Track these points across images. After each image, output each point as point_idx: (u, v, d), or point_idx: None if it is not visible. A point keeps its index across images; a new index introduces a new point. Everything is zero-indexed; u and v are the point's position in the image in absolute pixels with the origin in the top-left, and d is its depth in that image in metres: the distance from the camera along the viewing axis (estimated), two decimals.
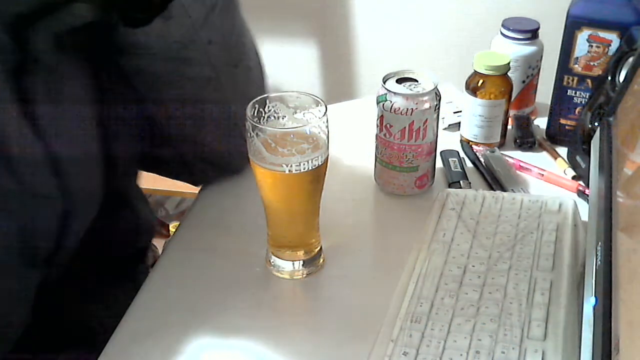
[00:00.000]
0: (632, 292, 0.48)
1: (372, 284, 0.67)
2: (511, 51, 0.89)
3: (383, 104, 0.74)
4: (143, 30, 0.59)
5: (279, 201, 0.65)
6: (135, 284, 0.72)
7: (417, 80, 0.75)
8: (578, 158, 0.81)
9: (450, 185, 0.80)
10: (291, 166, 0.60)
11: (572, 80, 0.84)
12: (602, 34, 0.79)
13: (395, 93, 0.73)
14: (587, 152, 0.76)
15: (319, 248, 0.69)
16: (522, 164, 0.84)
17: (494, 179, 0.82)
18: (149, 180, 1.89)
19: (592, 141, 0.74)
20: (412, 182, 0.78)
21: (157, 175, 1.94)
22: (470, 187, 0.79)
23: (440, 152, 0.84)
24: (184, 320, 0.64)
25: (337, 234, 0.75)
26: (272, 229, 0.67)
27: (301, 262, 0.68)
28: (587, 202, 0.74)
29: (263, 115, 0.62)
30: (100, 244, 0.71)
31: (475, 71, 0.85)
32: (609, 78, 0.77)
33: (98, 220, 0.68)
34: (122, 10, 0.57)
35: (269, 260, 0.69)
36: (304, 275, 0.68)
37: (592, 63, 0.82)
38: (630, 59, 0.75)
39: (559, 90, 0.85)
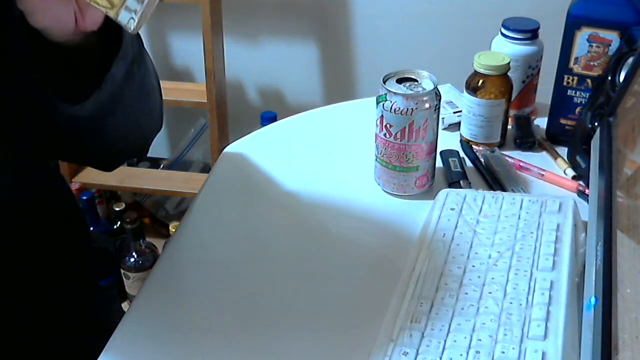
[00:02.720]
0: (632, 292, 0.48)
1: (372, 284, 0.67)
2: (511, 51, 0.89)
3: (383, 104, 0.74)
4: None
5: None
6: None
7: (417, 80, 0.75)
8: (578, 158, 0.81)
9: (450, 185, 0.80)
10: None
11: (572, 80, 0.84)
12: (602, 34, 0.79)
13: (395, 93, 0.73)
14: (587, 152, 0.76)
15: None
16: (522, 164, 0.84)
17: (494, 179, 0.82)
18: (148, 181, 1.90)
19: (592, 141, 0.74)
20: (412, 182, 0.78)
21: (157, 176, 1.95)
22: (470, 187, 0.79)
23: (440, 152, 0.84)
24: (184, 319, 0.64)
25: (337, 234, 0.75)
26: None
27: None
28: (587, 202, 0.74)
29: None
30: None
31: (475, 71, 0.85)
32: (609, 78, 0.77)
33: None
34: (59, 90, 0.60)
35: None
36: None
37: (592, 63, 0.82)
38: (630, 59, 0.75)
39: (559, 90, 0.85)
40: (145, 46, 0.67)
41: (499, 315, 0.58)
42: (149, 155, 0.83)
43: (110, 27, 0.58)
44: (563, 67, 0.83)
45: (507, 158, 0.85)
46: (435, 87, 0.74)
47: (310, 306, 0.65)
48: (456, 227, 0.69)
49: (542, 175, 0.82)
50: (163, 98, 0.76)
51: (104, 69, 0.60)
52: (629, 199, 0.58)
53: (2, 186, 0.64)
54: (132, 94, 0.65)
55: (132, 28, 0.53)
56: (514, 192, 0.79)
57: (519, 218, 0.70)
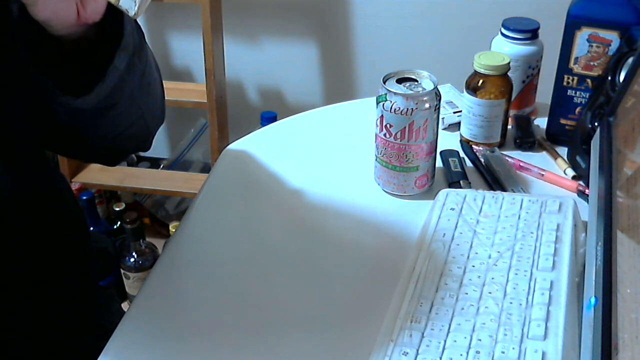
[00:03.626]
0: (632, 292, 0.48)
1: (372, 284, 0.67)
2: (511, 51, 0.89)
3: (383, 104, 0.74)
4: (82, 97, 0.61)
5: None
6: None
7: (417, 80, 0.75)
8: (578, 158, 0.81)
9: (450, 185, 0.80)
10: None
11: (572, 80, 0.84)
12: (602, 34, 0.79)
13: (395, 93, 0.73)
14: (587, 152, 0.76)
15: None
16: (522, 164, 0.84)
17: (494, 179, 0.82)
18: (148, 181, 1.90)
19: (592, 141, 0.74)
20: (412, 182, 0.78)
21: (157, 176, 1.94)
22: (470, 187, 0.79)
23: (440, 152, 0.84)
24: (184, 319, 0.64)
25: (337, 234, 0.75)
26: None
27: None
28: (587, 202, 0.74)
29: None
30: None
31: (475, 71, 0.85)
32: (609, 78, 0.77)
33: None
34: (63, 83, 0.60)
35: None
36: None
37: (592, 63, 0.82)
38: (630, 59, 0.75)
39: (559, 90, 0.85)
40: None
41: (499, 315, 0.58)
42: (149, 155, 0.83)
43: (111, 19, 0.58)
44: (563, 67, 0.83)
45: (507, 158, 0.85)
46: (435, 87, 0.74)
47: (310, 306, 0.65)
48: (456, 227, 0.69)
49: (542, 175, 0.82)
50: (165, 94, 0.75)
51: (105, 61, 0.60)
52: (629, 199, 0.58)
53: (1, 186, 0.64)
54: (134, 85, 0.65)
55: (133, 13, 0.53)
56: (514, 192, 0.79)
57: (519, 218, 0.70)
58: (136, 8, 0.53)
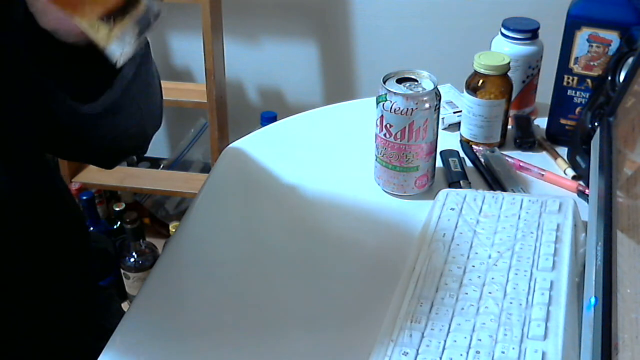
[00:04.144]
0: (632, 292, 0.48)
1: (372, 284, 0.67)
2: (511, 51, 0.89)
3: (383, 104, 0.74)
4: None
5: None
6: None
7: (417, 80, 0.75)
8: (578, 158, 0.81)
9: (450, 185, 0.80)
10: None
11: (572, 80, 0.84)
12: (602, 34, 0.79)
13: (395, 93, 0.73)
14: (587, 152, 0.76)
15: None
16: (522, 164, 0.84)
17: (494, 179, 0.82)
18: (148, 181, 1.90)
19: (592, 141, 0.74)
20: (412, 182, 0.78)
21: (157, 176, 1.95)
22: (470, 187, 0.79)
23: (440, 152, 0.84)
24: (184, 319, 0.64)
25: (337, 234, 0.75)
26: None
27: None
28: (587, 202, 0.74)
29: None
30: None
31: (475, 71, 0.85)
32: (609, 78, 0.77)
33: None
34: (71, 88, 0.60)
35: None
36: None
37: (592, 63, 0.82)
38: (630, 59, 0.75)
39: (559, 90, 0.85)
40: None
41: (499, 315, 0.58)
42: (149, 155, 0.83)
43: None
44: (563, 67, 0.83)
45: (507, 158, 0.85)
46: (435, 87, 0.74)
47: (310, 306, 0.65)
48: (456, 227, 0.69)
49: (542, 175, 0.82)
50: (163, 98, 0.76)
51: (111, 68, 0.60)
52: (629, 199, 0.58)
53: (1, 186, 0.64)
54: (138, 91, 0.66)
55: (117, 62, 0.53)
56: (514, 192, 0.79)
57: (519, 218, 0.70)
58: (123, 57, 0.53)
